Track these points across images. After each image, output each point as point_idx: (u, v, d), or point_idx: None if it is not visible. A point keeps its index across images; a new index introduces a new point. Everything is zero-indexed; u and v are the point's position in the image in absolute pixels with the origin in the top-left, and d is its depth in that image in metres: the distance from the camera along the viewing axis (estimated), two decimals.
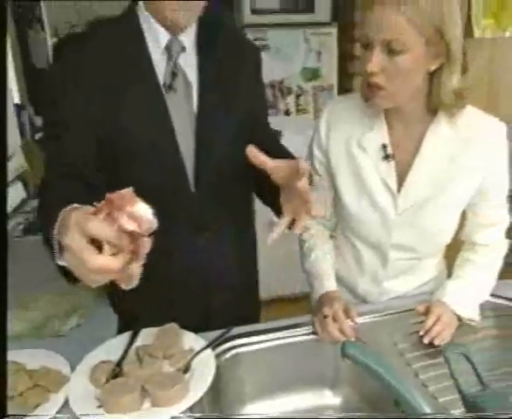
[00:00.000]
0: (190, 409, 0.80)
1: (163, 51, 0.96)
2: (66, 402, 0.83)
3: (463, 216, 1.09)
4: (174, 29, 0.95)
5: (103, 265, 0.59)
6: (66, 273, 0.68)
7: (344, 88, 2.60)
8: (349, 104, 1.09)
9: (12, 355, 0.92)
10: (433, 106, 0.98)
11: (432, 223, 1.04)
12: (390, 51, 0.88)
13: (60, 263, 0.69)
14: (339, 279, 1.14)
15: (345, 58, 2.56)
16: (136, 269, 0.63)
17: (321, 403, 1.02)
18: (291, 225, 0.81)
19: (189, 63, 0.99)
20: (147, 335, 0.95)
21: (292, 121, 2.61)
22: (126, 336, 0.96)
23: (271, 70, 2.52)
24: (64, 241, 0.63)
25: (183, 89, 0.99)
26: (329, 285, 1.08)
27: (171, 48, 0.96)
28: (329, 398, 1.03)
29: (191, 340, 0.94)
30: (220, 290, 1.10)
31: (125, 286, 0.65)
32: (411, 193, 1.02)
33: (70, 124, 0.93)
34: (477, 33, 2.52)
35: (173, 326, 0.96)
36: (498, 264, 1.11)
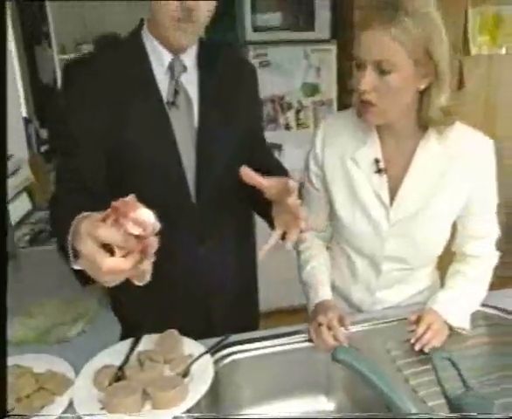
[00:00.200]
0: (189, 412, 0.82)
1: (166, 71, 1.02)
2: (70, 405, 0.86)
3: (454, 227, 1.12)
4: (176, 50, 1.00)
5: (115, 267, 0.65)
6: (81, 276, 0.75)
7: (344, 103, 2.64)
8: (344, 120, 1.13)
9: (19, 359, 0.95)
10: (423, 123, 1.02)
11: (422, 234, 1.07)
12: (381, 70, 0.93)
13: (75, 267, 0.75)
14: (335, 289, 1.18)
15: (344, 74, 2.60)
16: (147, 266, 0.69)
17: (316, 408, 1.05)
18: (283, 238, 0.85)
19: (190, 81, 1.04)
20: (148, 341, 0.98)
21: (292, 136, 2.64)
22: (128, 342, 0.99)
23: (272, 85, 2.58)
24: (77, 247, 0.69)
25: (184, 105, 1.04)
26: (324, 294, 1.11)
27: (174, 67, 1.02)
28: (324, 403, 1.05)
29: (191, 346, 0.97)
30: (221, 297, 1.13)
31: (138, 283, 0.71)
32: (403, 206, 1.06)
33: (79, 141, 0.99)
34: (474, 50, 2.56)
35: (173, 332, 0.99)
36: (488, 275, 1.13)
